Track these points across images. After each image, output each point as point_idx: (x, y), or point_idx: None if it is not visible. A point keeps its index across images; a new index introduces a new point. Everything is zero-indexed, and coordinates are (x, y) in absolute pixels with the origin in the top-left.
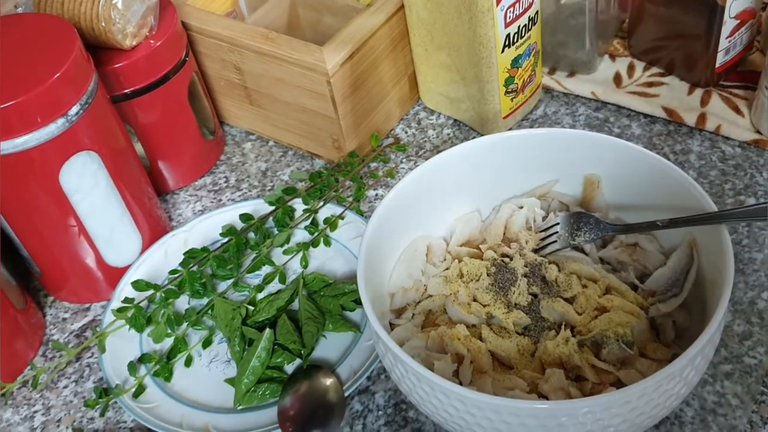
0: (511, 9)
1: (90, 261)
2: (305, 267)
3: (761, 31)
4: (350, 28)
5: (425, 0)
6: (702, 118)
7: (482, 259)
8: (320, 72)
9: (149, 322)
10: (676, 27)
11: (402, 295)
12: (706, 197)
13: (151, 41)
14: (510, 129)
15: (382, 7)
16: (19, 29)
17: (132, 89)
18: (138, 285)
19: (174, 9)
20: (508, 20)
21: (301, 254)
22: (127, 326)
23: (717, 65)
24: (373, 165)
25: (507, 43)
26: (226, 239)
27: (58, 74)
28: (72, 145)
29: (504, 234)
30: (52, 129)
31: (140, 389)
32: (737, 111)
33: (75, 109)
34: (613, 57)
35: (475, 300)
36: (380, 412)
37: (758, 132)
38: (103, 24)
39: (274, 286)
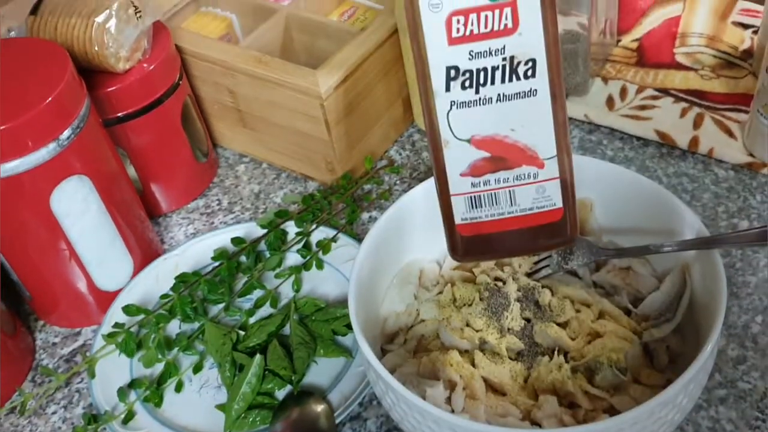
0: None
1: (81, 285)
2: (297, 291)
3: (753, 54)
4: (344, 52)
5: None
6: (695, 140)
7: (475, 283)
8: (314, 95)
9: (140, 347)
10: None
11: (394, 320)
12: (698, 222)
13: (145, 65)
14: None
15: (376, 31)
16: (11, 53)
17: (125, 113)
18: (129, 310)
19: (168, 32)
20: None
21: (293, 278)
22: (118, 351)
23: None
24: (367, 187)
25: None
26: (217, 263)
27: (49, 99)
28: (63, 170)
29: None
30: (43, 153)
31: (130, 415)
32: (730, 134)
33: (66, 133)
34: (605, 80)
35: (467, 325)
36: None
37: (751, 155)
38: (96, 48)
39: (266, 310)
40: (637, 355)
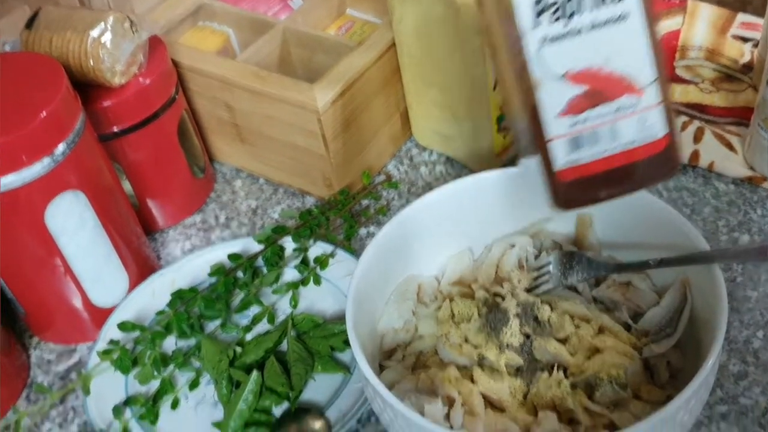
0: None
1: (76, 301)
2: (295, 307)
3: (753, 67)
4: (341, 66)
5: (416, 38)
6: (695, 154)
7: (474, 299)
8: (311, 110)
9: (135, 364)
10: None
11: (392, 336)
12: (698, 236)
13: (141, 79)
14: (503, 166)
15: (374, 45)
16: (6, 68)
17: (121, 127)
18: (124, 326)
19: (164, 47)
20: None
21: (290, 294)
22: (113, 368)
23: None
24: (365, 202)
25: None
26: (214, 279)
27: (44, 113)
28: (58, 185)
29: (496, 273)
30: (38, 168)
31: None
32: (730, 147)
33: (61, 148)
34: None
35: (466, 341)
36: None
37: (752, 168)
38: (92, 62)
39: (263, 326)
40: (637, 371)
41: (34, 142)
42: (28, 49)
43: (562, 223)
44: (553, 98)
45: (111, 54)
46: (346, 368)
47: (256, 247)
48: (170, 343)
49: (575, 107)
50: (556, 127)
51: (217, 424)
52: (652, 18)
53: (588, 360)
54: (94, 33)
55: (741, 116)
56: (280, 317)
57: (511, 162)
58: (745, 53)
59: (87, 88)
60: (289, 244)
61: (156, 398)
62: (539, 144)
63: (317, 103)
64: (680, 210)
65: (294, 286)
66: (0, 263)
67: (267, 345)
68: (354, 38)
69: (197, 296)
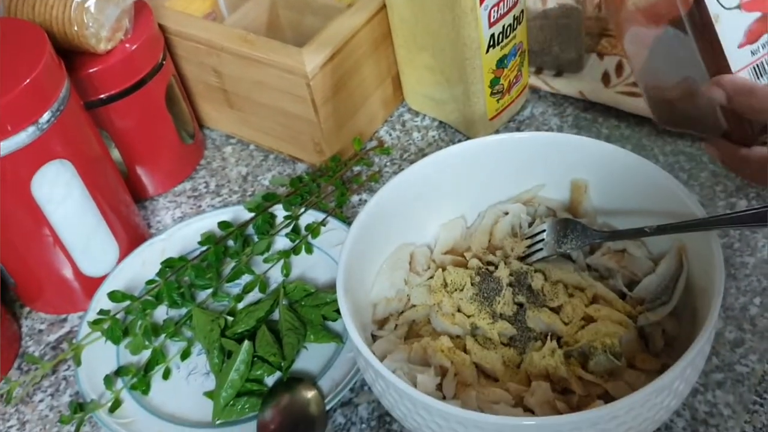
0: (495, 8)
1: (66, 271)
2: (286, 275)
3: None
4: (330, 29)
5: (408, 0)
6: None
7: (466, 268)
8: (300, 74)
9: (126, 334)
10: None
11: (384, 306)
12: (695, 203)
13: (127, 45)
14: (496, 130)
15: (364, 7)
16: None
17: (107, 94)
18: (114, 296)
19: (150, 11)
20: (492, 20)
21: (282, 262)
22: (104, 338)
23: None
24: (357, 169)
25: (491, 43)
26: (205, 248)
27: (27, 81)
28: (43, 154)
29: (489, 241)
30: (23, 137)
31: (116, 404)
32: None
33: (46, 116)
34: (601, 56)
35: (459, 310)
36: (363, 425)
37: None
38: (76, 28)
39: (254, 295)
40: (632, 340)
41: (18, 111)
42: (10, 14)
43: (557, 190)
44: (732, 30)
45: (95, 19)
46: (339, 338)
47: (247, 215)
48: (161, 313)
49: (754, 34)
50: (739, 58)
51: (209, 394)
52: None
53: (582, 329)
54: None
55: None
56: (272, 286)
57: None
58: None
59: (72, 55)
60: (280, 212)
61: (147, 368)
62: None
63: (306, 67)
64: (677, 175)
65: (285, 254)
66: None
67: (258, 314)
68: (344, 0)
69: (187, 265)
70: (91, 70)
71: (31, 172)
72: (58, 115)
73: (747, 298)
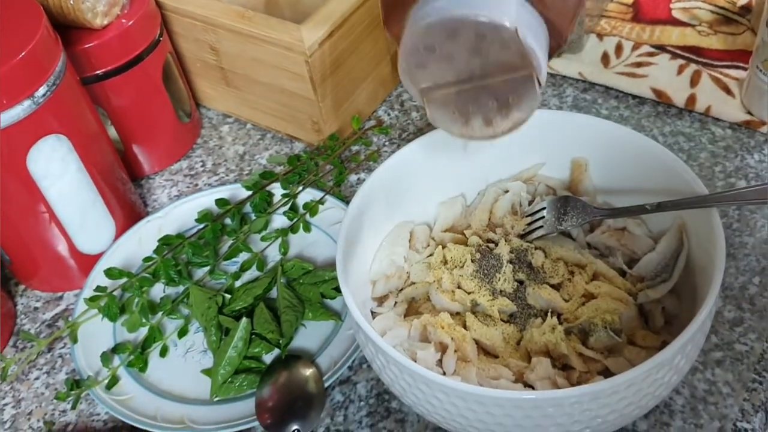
0: None
1: (62, 248)
2: (284, 254)
3: (751, 9)
4: (329, 6)
5: None
6: (692, 98)
7: (466, 245)
8: (298, 51)
9: (123, 311)
10: None
11: (384, 283)
12: (696, 180)
13: (123, 20)
14: None
15: None
16: None
17: (104, 70)
18: (111, 273)
19: None
20: None
21: (279, 240)
22: (100, 315)
23: None
24: (355, 148)
25: None
26: (202, 225)
27: (23, 54)
28: (39, 128)
29: (489, 219)
30: (18, 111)
31: (113, 380)
32: (728, 91)
33: (42, 90)
34: (600, 36)
35: (459, 287)
36: (362, 403)
37: (749, 113)
38: (72, 2)
39: (252, 273)
40: (632, 317)
41: (14, 84)
42: None
43: (557, 168)
44: None
45: None
46: (337, 315)
47: (244, 193)
48: (158, 291)
49: None
50: None
51: (206, 372)
52: None
53: (582, 306)
54: None
55: (739, 59)
56: (270, 264)
57: None
58: None
59: (68, 30)
60: (277, 190)
61: (144, 346)
62: None
63: (305, 44)
64: (676, 155)
65: (283, 233)
66: None
67: (256, 292)
68: None
69: (185, 242)
70: (87, 46)
71: (27, 147)
72: (54, 89)
73: (746, 277)
